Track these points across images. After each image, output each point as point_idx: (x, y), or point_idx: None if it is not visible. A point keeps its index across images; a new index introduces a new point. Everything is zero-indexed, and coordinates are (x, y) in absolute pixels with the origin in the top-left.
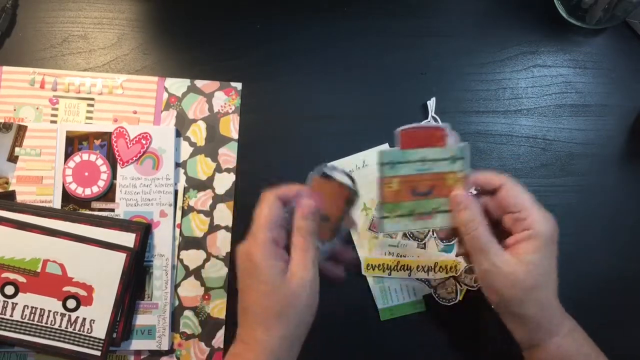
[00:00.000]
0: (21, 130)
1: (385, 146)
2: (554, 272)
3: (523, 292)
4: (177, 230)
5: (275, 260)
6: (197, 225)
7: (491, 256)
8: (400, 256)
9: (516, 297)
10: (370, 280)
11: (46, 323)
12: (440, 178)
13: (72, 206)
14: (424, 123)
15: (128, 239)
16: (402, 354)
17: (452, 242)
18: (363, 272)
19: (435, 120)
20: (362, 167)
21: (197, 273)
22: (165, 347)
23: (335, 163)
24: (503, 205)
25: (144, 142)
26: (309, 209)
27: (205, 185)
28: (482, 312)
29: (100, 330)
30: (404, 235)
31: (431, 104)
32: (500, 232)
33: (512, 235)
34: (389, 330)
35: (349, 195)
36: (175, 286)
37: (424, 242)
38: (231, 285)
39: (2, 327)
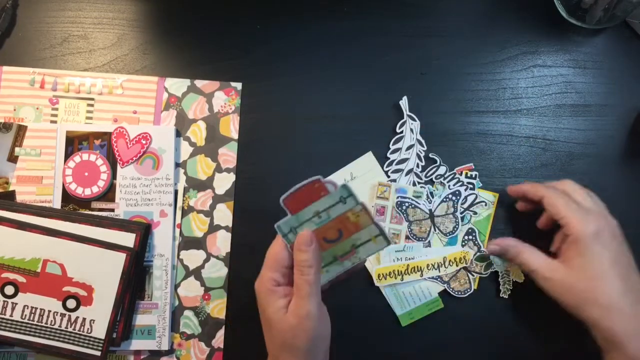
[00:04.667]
0: (21, 130)
1: (370, 155)
2: (612, 270)
3: (578, 297)
4: (177, 230)
5: (277, 298)
6: (197, 225)
7: (540, 270)
8: (409, 259)
9: (573, 303)
10: (383, 289)
11: (46, 323)
12: (343, 219)
13: (72, 206)
14: (299, 185)
15: (128, 239)
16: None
17: (456, 233)
18: (376, 284)
19: (412, 119)
20: (350, 180)
21: (197, 273)
22: (165, 347)
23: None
24: (550, 215)
25: (144, 142)
26: (304, 240)
27: (205, 185)
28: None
29: (100, 330)
30: (406, 237)
31: (404, 103)
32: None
33: (559, 242)
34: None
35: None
36: (175, 286)
37: (428, 240)
38: (231, 285)
39: (2, 327)
